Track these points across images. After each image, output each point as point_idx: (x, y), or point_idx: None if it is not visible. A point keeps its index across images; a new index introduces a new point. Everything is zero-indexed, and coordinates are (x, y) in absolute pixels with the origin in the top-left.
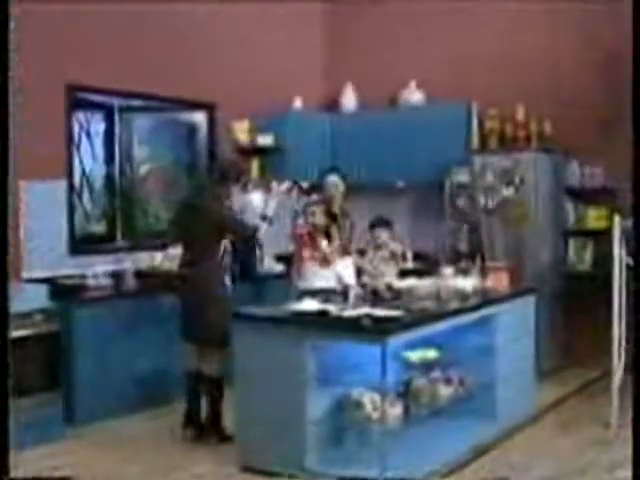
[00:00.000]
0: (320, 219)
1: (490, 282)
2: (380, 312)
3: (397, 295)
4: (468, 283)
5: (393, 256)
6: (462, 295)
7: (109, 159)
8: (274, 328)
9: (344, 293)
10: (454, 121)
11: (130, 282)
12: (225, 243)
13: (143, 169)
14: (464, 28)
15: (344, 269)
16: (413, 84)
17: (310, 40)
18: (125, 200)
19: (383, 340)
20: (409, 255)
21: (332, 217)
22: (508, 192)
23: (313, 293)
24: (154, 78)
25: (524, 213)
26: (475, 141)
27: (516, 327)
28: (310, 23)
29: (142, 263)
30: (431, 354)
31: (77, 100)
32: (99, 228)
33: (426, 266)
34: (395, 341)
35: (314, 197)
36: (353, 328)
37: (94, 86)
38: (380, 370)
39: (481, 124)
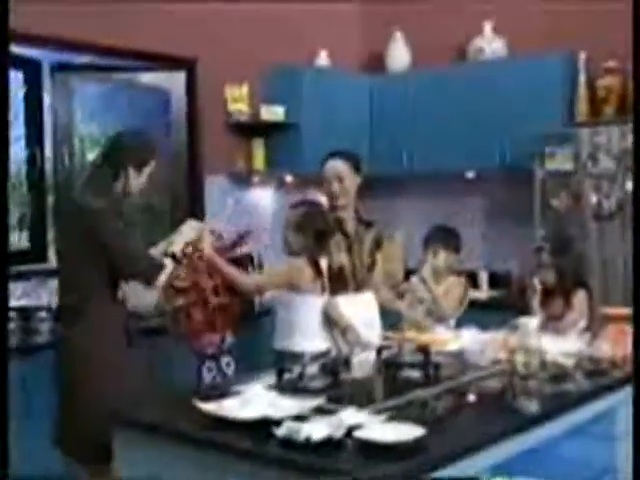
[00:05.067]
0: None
1: (606, 343)
2: (381, 427)
3: (435, 371)
4: (569, 349)
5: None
6: (556, 371)
7: (34, 140)
8: (174, 450)
9: (339, 364)
10: (550, 80)
11: (43, 326)
12: None
13: (90, 156)
14: None
15: (357, 314)
16: (489, 28)
17: None
18: (63, 201)
19: None
20: (485, 277)
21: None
22: None
23: (293, 357)
24: (106, 22)
25: None
26: (583, 109)
27: None
28: None
29: None
30: None
31: None
32: (19, 241)
33: (506, 296)
34: None
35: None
36: (313, 469)
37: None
38: None
39: (591, 84)
